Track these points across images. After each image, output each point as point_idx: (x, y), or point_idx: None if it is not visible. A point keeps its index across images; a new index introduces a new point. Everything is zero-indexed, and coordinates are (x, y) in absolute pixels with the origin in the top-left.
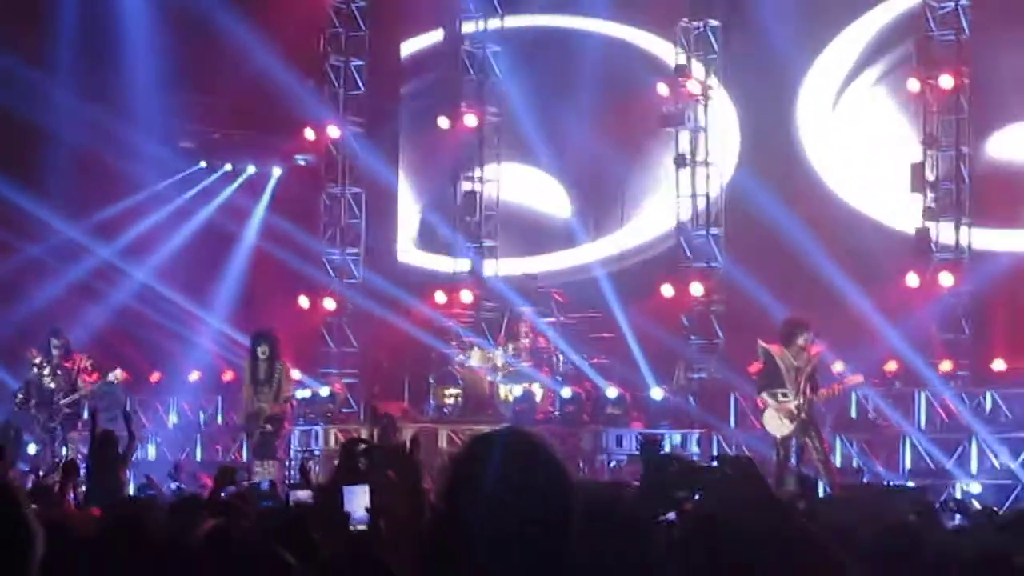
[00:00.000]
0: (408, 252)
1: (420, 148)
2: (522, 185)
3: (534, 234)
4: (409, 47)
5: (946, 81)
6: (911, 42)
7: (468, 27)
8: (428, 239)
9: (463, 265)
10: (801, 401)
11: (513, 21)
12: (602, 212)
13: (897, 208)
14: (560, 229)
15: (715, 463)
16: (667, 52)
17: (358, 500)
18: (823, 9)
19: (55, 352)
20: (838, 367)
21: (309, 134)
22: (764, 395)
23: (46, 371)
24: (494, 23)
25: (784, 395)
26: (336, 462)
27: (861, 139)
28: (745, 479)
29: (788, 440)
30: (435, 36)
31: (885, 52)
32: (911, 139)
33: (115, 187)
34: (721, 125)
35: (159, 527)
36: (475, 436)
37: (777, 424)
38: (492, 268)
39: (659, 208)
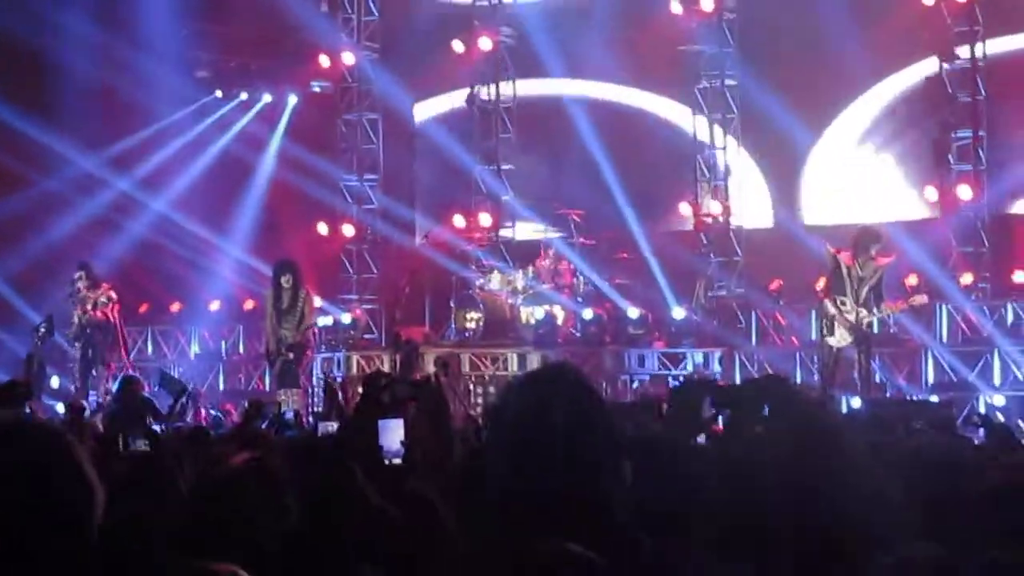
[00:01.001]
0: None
1: (435, 72)
2: (538, 103)
3: (551, 152)
4: None
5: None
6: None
7: None
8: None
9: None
10: (864, 313)
11: None
12: (616, 136)
13: None
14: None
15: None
16: None
17: (392, 434)
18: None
19: (80, 284)
20: (912, 280)
21: (324, 61)
22: (827, 302)
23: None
24: None
25: (844, 304)
26: (360, 394)
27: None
28: (780, 396)
29: (842, 351)
30: None
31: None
32: None
33: (130, 118)
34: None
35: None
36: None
37: (836, 334)
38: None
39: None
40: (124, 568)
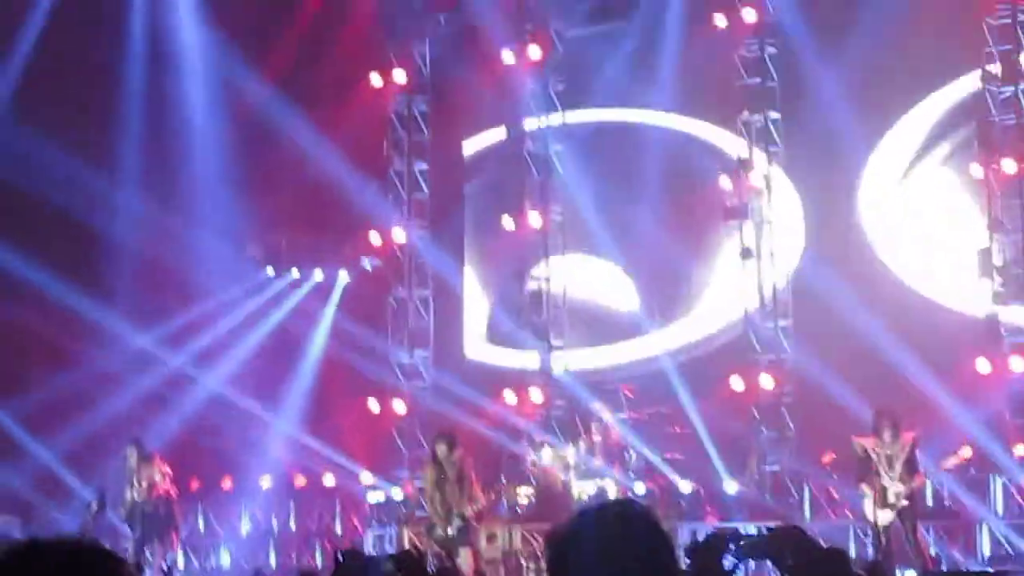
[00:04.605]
0: (476, 348)
1: (485, 248)
2: (588, 278)
3: (601, 326)
4: (471, 145)
5: (1009, 165)
6: (973, 125)
7: (530, 124)
8: (496, 337)
9: (531, 361)
10: (901, 488)
11: (574, 117)
12: (667, 303)
13: (965, 293)
14: (627, 321)
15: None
16: (730, 143)
17: None
18: (884, 93)
19: (131, 461)
20: (966, 452)
21: (375, 238)
22: (863, 485)
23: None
24: (555, 118)
25: (879, 483)
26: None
27: (927, 222)
28: (793, 540)
29: (888, 528)
30: (497, 134)
31: (948, 135)
32: (978, 222)
33: (182, 294)
34: (785, 215)
35: None
36: (576, 511)
37: (876, 512)
38: (560, 365)
39: (724, 299)
40: None
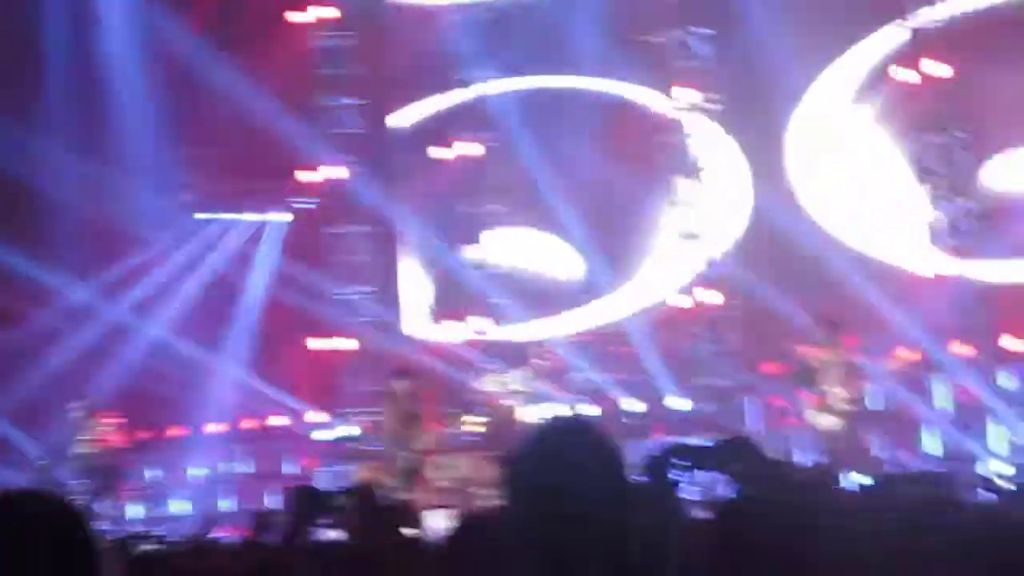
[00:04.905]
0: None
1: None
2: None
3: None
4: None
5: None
6: None
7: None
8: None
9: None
10: (844, 393)
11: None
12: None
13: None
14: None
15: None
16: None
17: None
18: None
19: (78, 415)
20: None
21: (307, 176)
22: (806, 392)
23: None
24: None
25: (823, 391)
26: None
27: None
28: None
29: (833, 433)
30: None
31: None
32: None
33: (117, 245)
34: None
35: None
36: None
37: (821, 420)
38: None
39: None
40: None
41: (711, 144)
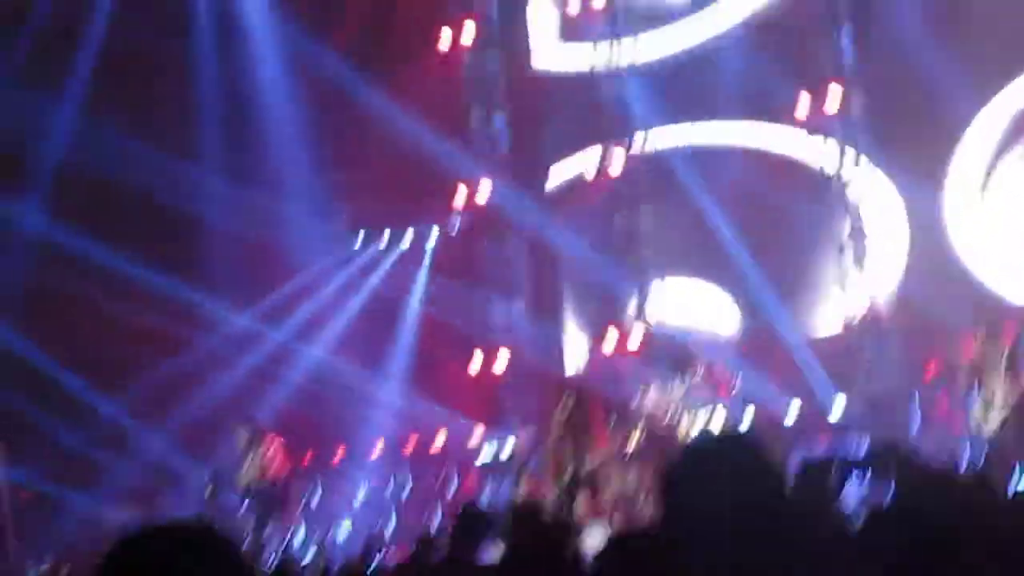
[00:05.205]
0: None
1: (572, 195)
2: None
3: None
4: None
5: None
6: None
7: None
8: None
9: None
10: (1008, 388)
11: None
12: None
13: None
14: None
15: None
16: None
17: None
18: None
19: (242, 439)
20: None
21: (462, 192)
22: (971, 391)
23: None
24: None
25: (988, 392)
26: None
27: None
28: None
29: (1000, 433)
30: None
31: None
32: None
33: (277, 269)
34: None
35: None
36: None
37: (985, 417)
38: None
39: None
40: None
41: (869, 186)
